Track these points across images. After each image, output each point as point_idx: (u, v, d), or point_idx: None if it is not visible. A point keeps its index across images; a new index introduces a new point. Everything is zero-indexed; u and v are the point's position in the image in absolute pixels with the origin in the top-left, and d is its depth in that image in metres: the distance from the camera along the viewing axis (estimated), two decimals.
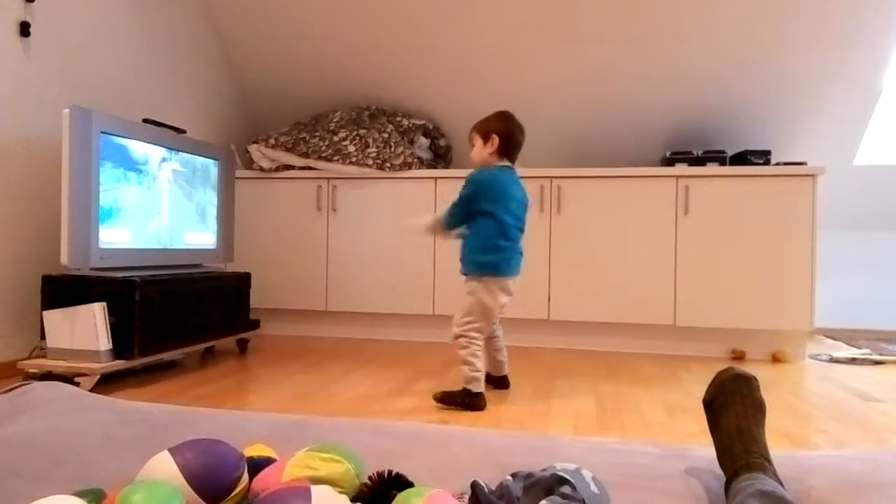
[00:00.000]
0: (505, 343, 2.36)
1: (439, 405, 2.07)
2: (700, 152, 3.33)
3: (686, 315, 3.11)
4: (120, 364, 2.26)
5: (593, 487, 0.99)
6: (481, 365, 2.13)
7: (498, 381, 2.35)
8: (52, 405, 1.47)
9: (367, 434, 1.33)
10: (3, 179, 2.40)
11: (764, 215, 3.04)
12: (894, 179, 3.62)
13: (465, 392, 2.08)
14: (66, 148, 2.19)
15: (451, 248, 3.29)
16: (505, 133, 2.23)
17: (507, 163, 2.26)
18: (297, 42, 3.65)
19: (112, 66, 2.92)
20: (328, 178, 3.49)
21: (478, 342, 2.15)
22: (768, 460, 1.02)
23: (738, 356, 3.07)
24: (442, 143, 3.82)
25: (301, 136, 3.55)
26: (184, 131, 2.89)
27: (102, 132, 2.31)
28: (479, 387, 2.10)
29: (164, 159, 2.65)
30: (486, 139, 2.23)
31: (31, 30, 2.46)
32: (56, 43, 2.60)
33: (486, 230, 2.17)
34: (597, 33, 3.31)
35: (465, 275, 2.22)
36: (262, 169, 3.57)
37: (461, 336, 2.16)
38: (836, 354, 3.11)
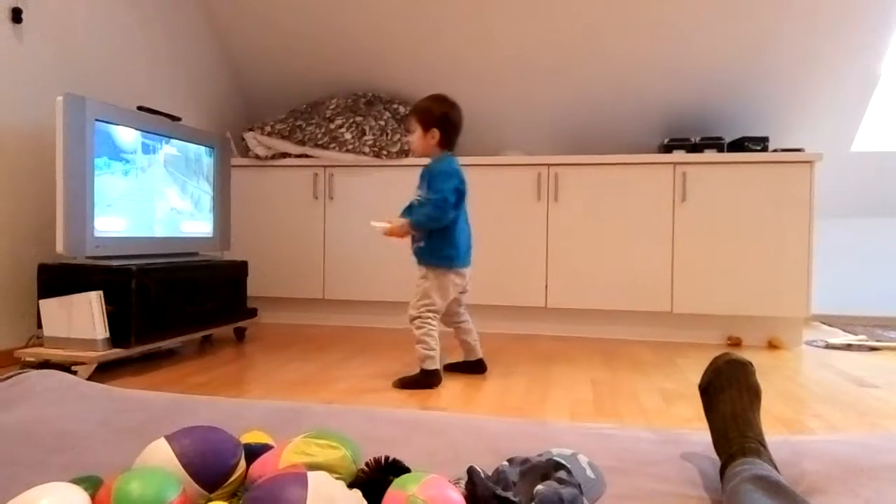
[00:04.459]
0: (473, 325, 2.40)
1: (400, 390, 2.12)
2: (698, 139, 3.32)
3: (683, 302, 3.12)
4: (117, 352, 2.25)
5: (589, 473, 1.00)
6: (435, 343, 2.21)
7: (474, 366, 2.37)
8: (49, 393, 1.47)
9: (364, 420, 1.34)
10: None
11: (761, 202, 3.04)
12: (892, 166, 3.61)
13: (422, 372, 2.18)
14: (59, 136, 2.18)
15: None
16: (446, 124, 2.24)
17: (450, 151, 2.29)
18: (293, 29, 3.62)
19: (106, 53, 2.90)
20: (325, 166, 3.48)
21: (432, 322, 2.23)
22: (763, 445, 1.03)
23: (735, 343, 3.08)
24: None
25: (297, 124, 3.53)
26: (179, 119, 2.87)
27: (97, 120, 2.30)
28: (434, 364, 2.19)
29: (158, 147, 2.64)
30: (425, 129, 2.24)
31: (23, 16, 2.43)
32: (49, 29, 2.58)
33: (457, 226, 2.25)
34: (595, 20, 3.29)
35: (422, 264, 2.26)
36: (258, 157, 3.55)
37: (417, 317, 2.23)
38: (832, 341, 3.12)
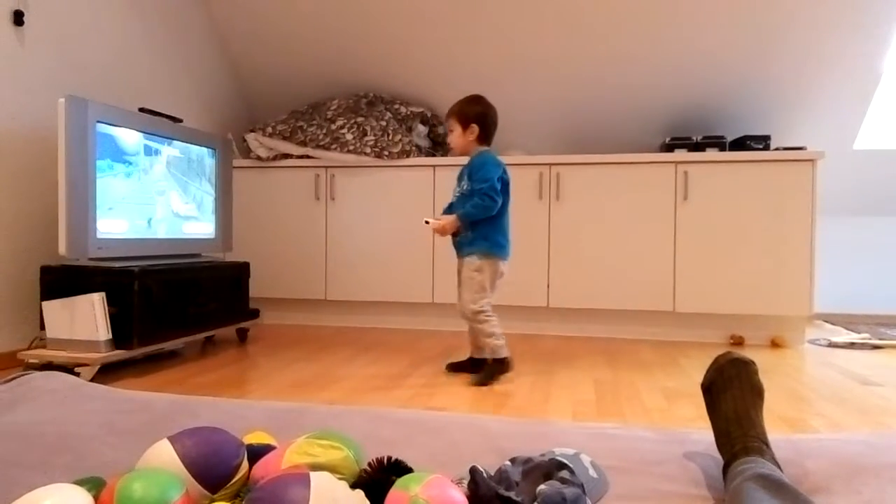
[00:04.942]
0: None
1: (481, 387, 2.15)
2: (699, 138, 3.32)
3: (685, 301, 3.11)
4: (120, 354, 2.26)
5: (592, 472, 1.00)
6: (500, 331, 2.28)
7: (478, 365, 2.35)
8: (51, 395, 1.48)
9: (367, 421, 1.33)
10: None
11: (763, 200, 3.03)
12: (894, 164, 3.60)
13: (495, 362, 2.24)
14: (61, 138, 2.18)
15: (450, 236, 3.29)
16: (483, 120, 2.33)
17: (488, 147, 2.38)
18: (293, 30, 3.62)
19: (107, 55, 2.90)
20: (326, 167, 3.48)
21: (491, 312, 2.29)
22: (766, 444, 1.03)
23: (738, 341, 3.08)
24: (440, 130, 3.80)
25: (298, 125, 3.53)
26: (180, 120, 2.88)
27: (98, 122, 2.30)
28: (505, 351, 2.26)
29: (160, 149, 2.64)
30: (465, 127, 2.32)
31: (24, 18, 2.44)
32: (50, 32, 2.58)
33: (503, 213, 2.32)
34: (595, 20, 3.29)
35: (471, 255, 2.30)
36: (259, 158, 3.55)
37: (479, 312, 2.27)
38: (834, 339, 3.12)
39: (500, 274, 2.32)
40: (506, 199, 2.32)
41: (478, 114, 2.32)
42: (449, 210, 2.39)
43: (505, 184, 2.31)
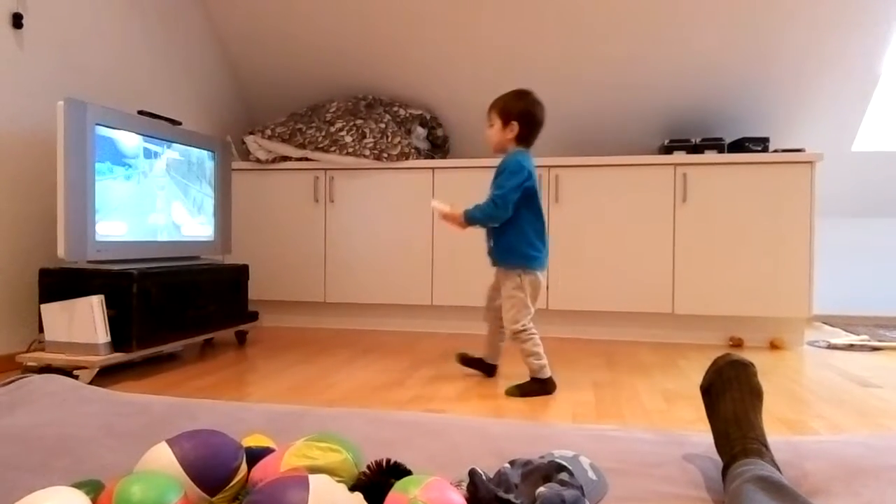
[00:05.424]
0: None
1: (520, 399, 2.07)
2: (698, 140, 3.32)
3: (684, 303, 3.11)
4: (118, 357, 2.25)
5: (591, 474, 1.00)
6: (542, 351, 2.15)
7: (487, 368, 2.34)
8: (50, 398, 1.47)
9: (366, 423, 1.33)
10: None
11: (762, 202, 3.04)
12: (892, 165, 3.61)
13: (536, 381, 2.13)
14: (60, 140, 2.18)
15: (450, 238, 3.29)
16: (526, 118, 2.17)
17: (526, 148, 2.21)
18: (293, 32, 3.62)
19: (106, 58, 2.91)
20: (325, 169, 3.48)
21: (534, 330, 2.17)
22: (765, 446, 1.03)
23: (737, 343, 3.08)
24: (439, 133, 3.80)
25: (297, 127, 3.53)
26: (179, 123, 2.87)
27: (97, 124, 2.30)
28: (547, 371, 2.14)
29: (159, 151, 2.64)
30: (505, 122, 2.17)
31: (23, 21, 2.44)
32: (49, 34, 2.58)
33: (531, 223, 2.17)
34: (595, 22, 3.30)
35: (506, 268, 2.20)
36: (258, 160, 3.55)
37: (522, 331, 2.16)
38: (833, 341, 3.12)
39: (538, 286, 2.20)
40: (532, 207, 2.17)
41: (522, 111, 2.16)
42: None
43: (530, 192, 2.15)
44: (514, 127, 2.16)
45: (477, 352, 2.40)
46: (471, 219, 2.17)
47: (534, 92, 2.22)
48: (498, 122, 2.18)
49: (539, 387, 2.12)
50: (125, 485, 0.81)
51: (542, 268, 2.21)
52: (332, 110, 3.61)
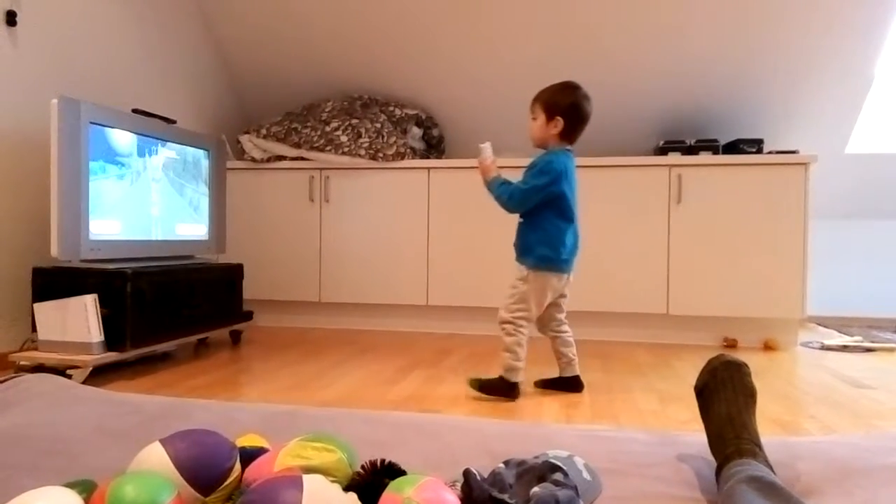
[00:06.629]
0: (573, 337, 2.19)
1: (477, 394, 2.02)
2: (693, 141, 3.33)
3: (679, 304, 3.12)
4: (112, 356, 2.25)
5: (585, 474, 1.00)
6: (523, 354, 2.05)
7: (569, 383, 2.14)
8: (43, 397, 1.47)
9: (360, 423, 1.33)
10: None
11: (756, 204, 3.05)
12: (886, 167, 3.63)
13: (502, 381, 2.03)
14: (54, 139, 2.17)
15: (446, 238, 3.29)
16: (573, 115, 2.06)
17: (569, 147, 2.11)
18: (288, 31, 3.62)
19: (100, 56, 2.89)
20: (320, 169, 3.48)
21: (524, 330, 2.06)
22: (759, 446, 1.03)
23: (731, 344, 3.09)
24: (435, 133, 3.80)
25: (293, 127, 3.53)
26: (174, 122, 2.87)
27: (91, 123, 2.29)
28: (517, 376, 2.04)
29: (154, 150, 2.63)
30: (549, 117, 2.06)
31: (17, 19, 2.43)
32: (43, 32, 2.57)
33: (553, 223, 2.06)
34: (590, 23, 3.30)
35: (522, 263, 2.11)
36: (253, 159, 3.55)
37: (509, 322, 2.06)
38: (827, 342, 3.13)
39: (552, 288, 2.08)
40: (556, 209, 2.06)
41: (568, 106, 2.04)
42: (507, 184, 2.14)
43: (555, 196, 2.04)
44: (559, 123, 2.05)
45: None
46: (492, 187, 2.10)
47: (581, 85, 2.11)
48: (542, 117, 2.07)
49: (503, 389, 2.02)
50: (118, 485, 0.81)
51: (558, 271, 2.08)
52: (327, 110, 3.61)
